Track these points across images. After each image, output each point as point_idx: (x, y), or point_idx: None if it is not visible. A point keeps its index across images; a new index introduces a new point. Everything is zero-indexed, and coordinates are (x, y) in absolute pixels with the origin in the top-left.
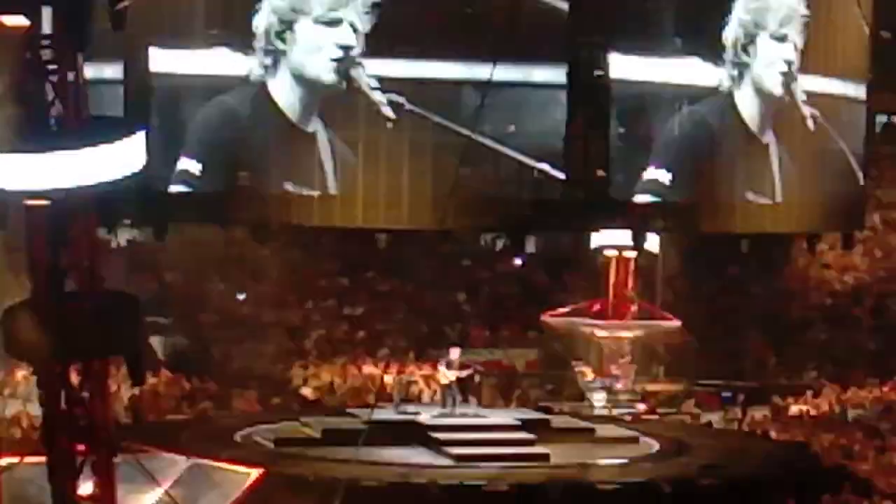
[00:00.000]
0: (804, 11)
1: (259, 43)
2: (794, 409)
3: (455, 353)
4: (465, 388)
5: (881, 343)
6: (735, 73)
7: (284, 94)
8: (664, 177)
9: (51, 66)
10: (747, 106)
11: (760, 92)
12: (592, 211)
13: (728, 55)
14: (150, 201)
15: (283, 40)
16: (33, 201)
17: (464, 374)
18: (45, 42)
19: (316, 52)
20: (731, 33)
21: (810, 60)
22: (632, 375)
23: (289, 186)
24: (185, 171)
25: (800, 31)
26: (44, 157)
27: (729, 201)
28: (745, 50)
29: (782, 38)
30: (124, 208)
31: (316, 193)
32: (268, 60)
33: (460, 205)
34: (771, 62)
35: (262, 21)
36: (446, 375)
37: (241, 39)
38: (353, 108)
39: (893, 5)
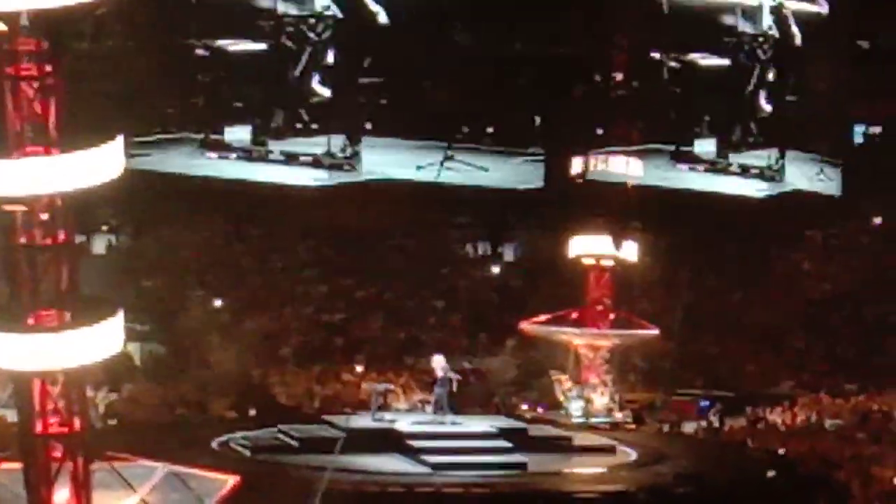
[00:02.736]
0: None
1: None
2: (771, 418)
3: (439, 360)
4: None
5: (858, 351)
6: None
7: None
8: None
9: (30, 74)
10: None
11: None
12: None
13: None
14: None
15: None
16: (10, 206)
17: (452, 375)
18: (25, 49)
19: None
20: None
21: None
22: (609, 384)
23: None
24: None
25: None
26: (20, 163)
27: None
28: None
29: None
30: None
31: None
32: None
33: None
34: None
35: None
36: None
37: None
38: None
39: (871, 15)
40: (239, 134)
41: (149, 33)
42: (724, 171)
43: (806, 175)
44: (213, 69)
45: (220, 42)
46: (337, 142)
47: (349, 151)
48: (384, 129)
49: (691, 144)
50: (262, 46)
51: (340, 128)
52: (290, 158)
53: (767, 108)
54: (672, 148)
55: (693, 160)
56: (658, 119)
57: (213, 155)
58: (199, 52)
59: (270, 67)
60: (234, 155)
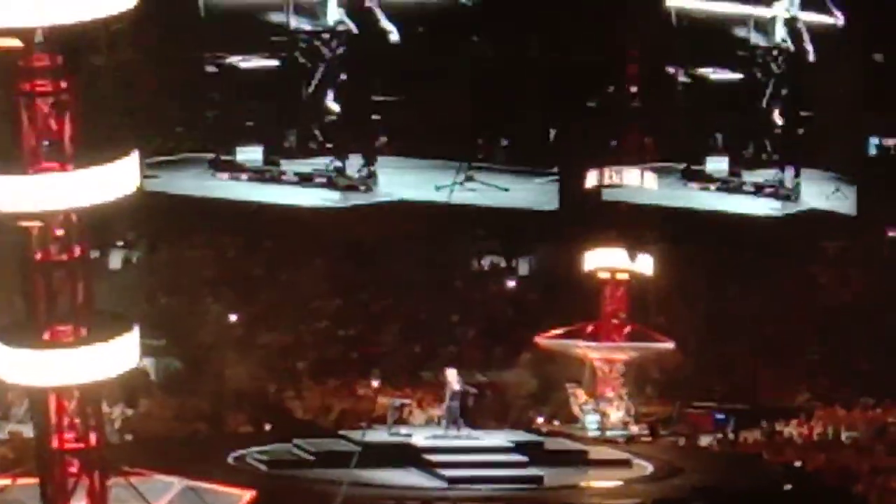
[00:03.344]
0: None
1: None
2: (787, 431)
3: (452, 374)
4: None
5: (874, 364)
6: None
7: None
8: None
9: (45, 89)
10: None
11: None
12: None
13: None
14: None
15: None
16: (25, 222)
17: (468, 389)
18: (39, 65)
19: None
20: None
21: None
22: (625, 397)
23: None
24: None
25: None
26: (36, 179)
27: None
28: None
29: None
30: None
31: None
32: None
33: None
34: None
35: None
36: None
37: None
38: None
39: (886, 27)
40: (251, 154)
41: (160, 50)
42: (737, 189)
43: (823, 193)
44: (224, 86)
45: (232, 58)
46: (352, 162)
47: (365, 172)
48: (400, 148)
49: (703, 163)
50: (274, 63)
51: (356, 147)
52: (304, 179)
53: (781, 123)
54: (683, 166)
55: (704, 179)
56: (670, 134)
57: (224, 176)
58: (210, 68)
59: (283, 84)
60: (245, 176)
